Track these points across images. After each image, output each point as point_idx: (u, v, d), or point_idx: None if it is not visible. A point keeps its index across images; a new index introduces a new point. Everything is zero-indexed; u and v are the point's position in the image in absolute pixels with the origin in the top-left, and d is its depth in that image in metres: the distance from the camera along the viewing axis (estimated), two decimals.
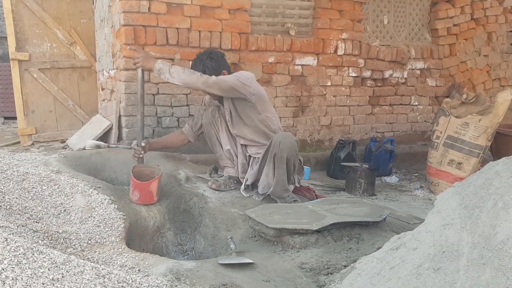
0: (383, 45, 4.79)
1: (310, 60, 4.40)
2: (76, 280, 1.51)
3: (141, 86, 2.98)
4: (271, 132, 3.06)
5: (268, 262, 2.20)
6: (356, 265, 1.94)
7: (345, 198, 3.45)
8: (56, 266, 1.54)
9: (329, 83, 4.54)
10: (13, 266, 1.43)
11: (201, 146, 4.10)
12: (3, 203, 2.21)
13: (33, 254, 1.55)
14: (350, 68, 4.62)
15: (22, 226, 2.03)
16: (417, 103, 5.10)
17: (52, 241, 2.04)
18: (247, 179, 3.08)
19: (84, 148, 3.60)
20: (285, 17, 4.34)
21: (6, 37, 5.31)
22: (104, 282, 1.58)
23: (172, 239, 2.79)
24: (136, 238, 2.52)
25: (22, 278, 1.40)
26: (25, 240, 1.72)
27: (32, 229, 2.04)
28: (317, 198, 3.12)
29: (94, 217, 2.36)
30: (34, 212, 2.26)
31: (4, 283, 1.34)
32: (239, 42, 4.07)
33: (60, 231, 2.16)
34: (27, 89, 5.17)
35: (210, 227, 2.71)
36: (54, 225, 2.22)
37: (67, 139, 4.75)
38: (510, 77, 5.87)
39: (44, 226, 2.16)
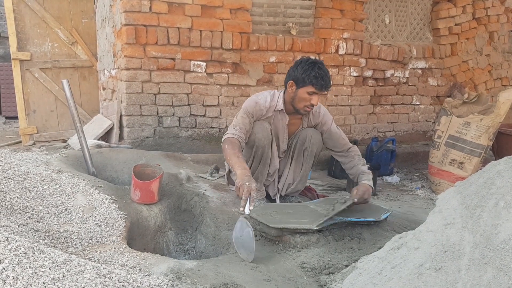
0: (384, 45, 4.79)
1: None
2: (77, 279, 1.51)
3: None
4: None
5: (269, 261, 2.20)
6: (357, 265, 1.94)
7: (347, 197, 3.44)
8: (57, 266, 1.54)
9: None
10: (14, 265, 1.43)
11: (201, 146, 4.11)
12: (4, 203, 2.21)
13: (34, 253, 1.55)
14: (351, 68, 4.61)
15: (23, 225, 2.04)
16: (418, 103, 5.09)
17: (53, 240, 2.04)
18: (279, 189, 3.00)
19: None
20: (286, 17, 4.34)
21: (7, 37, 5.33)
22: (105, 281, 1.57)
23: (173, 239, 2.79)
24: (137, 238, 2.52)
25: (23, 278, 1.40)
26: (26, 239, 1.72)
27: (33, 229, 2.04)
28: (318, 198, 3.11)
29: (95, 216, 2.36)
30: (35, 212, 2.26)
31: (5, 283, 1.34)
32: (240, 42, 4.07)
33: (61, 231, 2.16)
34: (29, 88, 5.18)
35: (211, 227, 2.71)
36: (55, 224, 2.22)
37: (68, 138, 4.75)
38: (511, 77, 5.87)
39: (45, 226, 2.16)
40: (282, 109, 2.81)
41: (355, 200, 2.57)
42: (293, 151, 2.93)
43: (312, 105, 2.73)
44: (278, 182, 2.99)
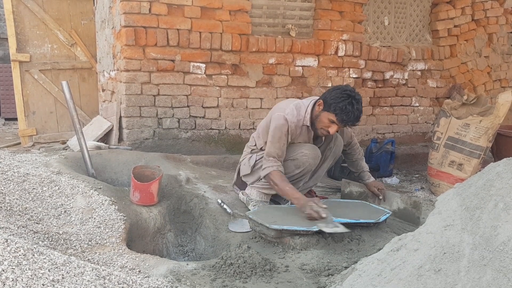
0: (383, 46, 4.79)
1: (311, 61, 4.40)
2: (76, 281, 1.51)
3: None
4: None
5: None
6: (357, 266, 1.94)
7: (346, 199, 3.44)
8: (57, 267, 1.54)
9: (329, 84, 4.54)
10: (13, 267, 1.43)
11: (201, 147, 4.11)
12: (3, 204, 2.21)
13: (33, 255, 1.55)
14: (350, 69, 4.62)
15: (23, 227, 2.04)
16: (417, 104, 5.10)
17: (52, 242, 2.04)
18: None
19: None
20: (286, 18, 4.34)
21: (7, 38, 5.32)
22: (104, 283, 1.57)
23: (173, 240, 2.79)
24: (137, 239, 2.52)
25: (22, 279, 1.39)
26: (25, 241, 1.72)
27: (32, 230, 2.04)
28: None
29: (95, 218, 2.36)
30: (35, 213, 2.26)
31: (4, 284, 1.34)
32: (239, 43, 4.07)
33: (61, 232, 2.16)
34: (28, 90, 5.18)
35: (210, 228, 2.71)
36: (55, 226, 2.22)
37: (67, 140, 4.75)
38: (511, 78, 5.86)
39: (44, 227, 2.16)
40: (308, 126, 2.79)
41: (380, 197, 3.02)
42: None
43: (328, 132, 2.73)
44: None
